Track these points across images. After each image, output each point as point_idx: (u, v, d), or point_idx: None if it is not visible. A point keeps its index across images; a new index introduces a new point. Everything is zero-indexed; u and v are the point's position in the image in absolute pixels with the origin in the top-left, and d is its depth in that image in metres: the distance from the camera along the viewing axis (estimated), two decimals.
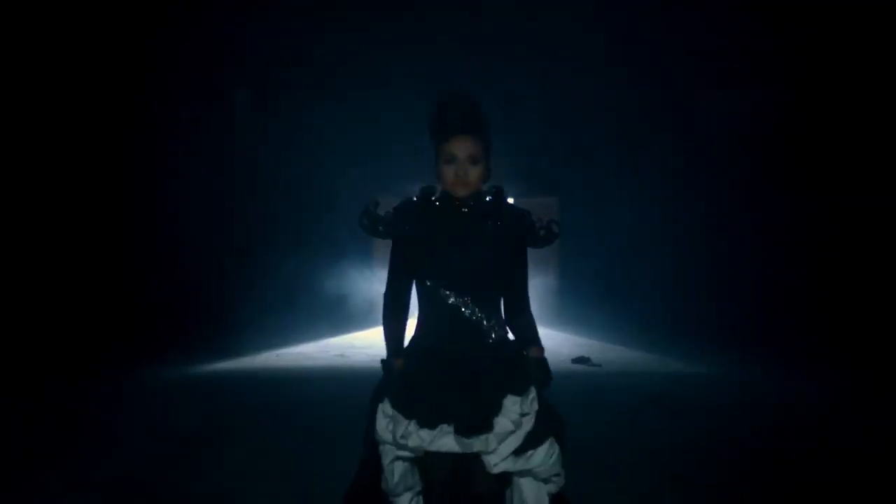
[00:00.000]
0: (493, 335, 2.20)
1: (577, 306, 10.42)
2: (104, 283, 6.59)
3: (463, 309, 2.19)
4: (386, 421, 2.09)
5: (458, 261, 2.20)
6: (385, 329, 2.28)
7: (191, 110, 7.42)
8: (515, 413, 2.05)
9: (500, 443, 2.03)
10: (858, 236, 6.32)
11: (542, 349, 2.23)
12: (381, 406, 2.12)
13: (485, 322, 2.20)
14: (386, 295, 2.28)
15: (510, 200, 2.51)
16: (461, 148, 2.20)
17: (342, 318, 10.02)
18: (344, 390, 5.64)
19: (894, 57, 5.99)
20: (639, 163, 9.06)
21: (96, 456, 3.76)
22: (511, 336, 2.26)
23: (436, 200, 2.27)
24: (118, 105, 6.70)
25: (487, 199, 2.30)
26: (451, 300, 2.19)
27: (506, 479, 2.09)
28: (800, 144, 6.88)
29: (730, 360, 7.05)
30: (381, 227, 2.26)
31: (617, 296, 9.53)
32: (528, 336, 2.25)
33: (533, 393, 2.11)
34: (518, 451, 2.04)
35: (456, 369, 2.12)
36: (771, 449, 4.01)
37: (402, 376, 2.16)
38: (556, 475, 2.08)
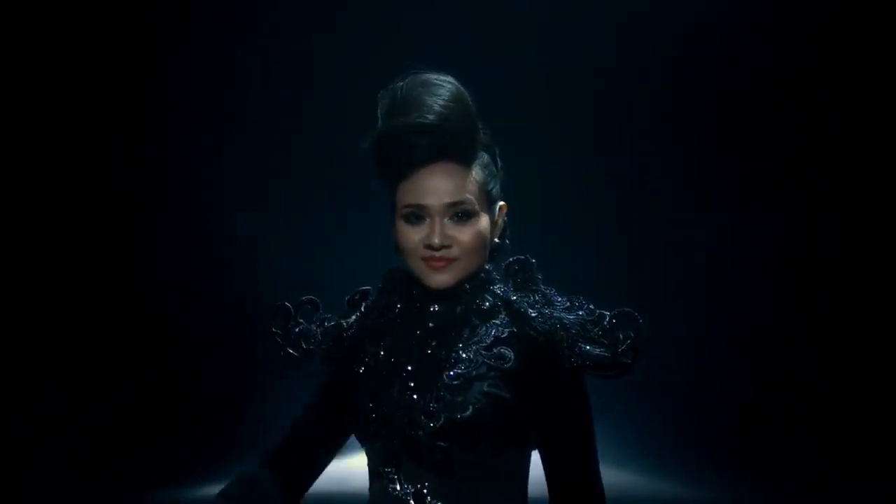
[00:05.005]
0: None
1: None
2: (91, 396, 6.43)
3: None
4: None
5: (410, 416, 1.16)
6: None
7: (187, 234, 7.47)
8: None
9: None
10: (858, 355, 6.46)
11: None
12: None
13: None
14: None
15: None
16: (433, 190, 1.12)
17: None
18: None
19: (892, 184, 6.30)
20: (630, 276, 9.22)
21: None
22: None
23: (396, 297, 1.26)
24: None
25: (494, 289, 1.21)
26: (396, 489, 1.19)
27: None
28: (802, 268, 7.07)
29: (732, 481, 7.00)
30: (303, 343, 1.35)
31: (608, 415, 9.54)
32: None
33: None
34: None
35: None
36: None
37: None
38: None
